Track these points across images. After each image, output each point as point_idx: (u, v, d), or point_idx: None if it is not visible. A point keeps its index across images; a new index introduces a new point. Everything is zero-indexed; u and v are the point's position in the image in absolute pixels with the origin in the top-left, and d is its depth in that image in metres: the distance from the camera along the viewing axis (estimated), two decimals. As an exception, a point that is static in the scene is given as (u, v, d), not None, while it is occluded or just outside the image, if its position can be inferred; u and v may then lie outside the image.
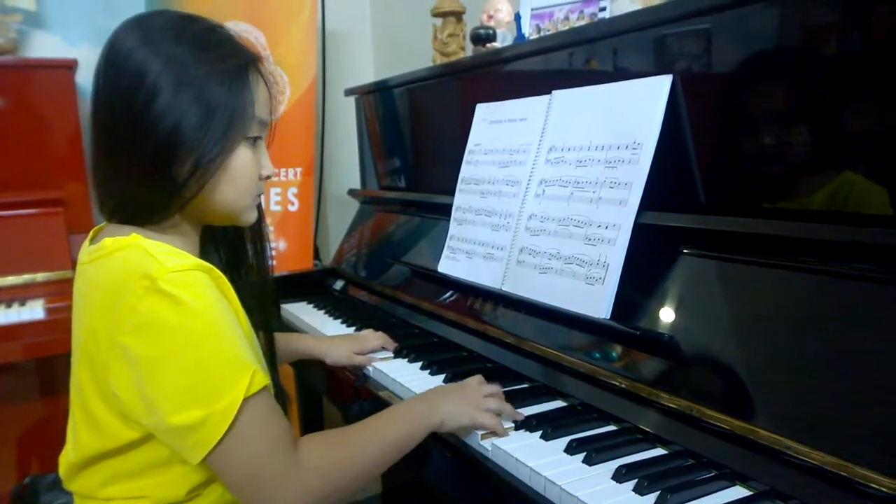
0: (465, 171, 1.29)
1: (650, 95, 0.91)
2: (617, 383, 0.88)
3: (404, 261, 1.45)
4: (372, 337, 1.19)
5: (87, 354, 0.75)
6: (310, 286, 1.73)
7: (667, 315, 0.88)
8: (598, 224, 0.94)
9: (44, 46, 2.08)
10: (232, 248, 0.93)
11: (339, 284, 1.73)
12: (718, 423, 0.75)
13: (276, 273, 1.80)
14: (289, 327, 1.52)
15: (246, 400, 0.70)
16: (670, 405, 0.80)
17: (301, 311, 1.54)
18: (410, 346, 1.19)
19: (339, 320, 1.44)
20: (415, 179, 1.63)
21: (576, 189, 1.00)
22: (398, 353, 1.17)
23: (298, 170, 1.89)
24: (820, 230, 0.75)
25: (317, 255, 2.16)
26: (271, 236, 1.92)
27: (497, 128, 1.23)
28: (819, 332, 0.73)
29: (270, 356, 0.95)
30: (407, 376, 1.06)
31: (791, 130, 0.81)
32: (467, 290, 1.20)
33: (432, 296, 1.30)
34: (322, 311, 1.53)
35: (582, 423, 0.87)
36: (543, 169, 1.08)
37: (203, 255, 0.89)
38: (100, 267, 0.76)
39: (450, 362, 1.12)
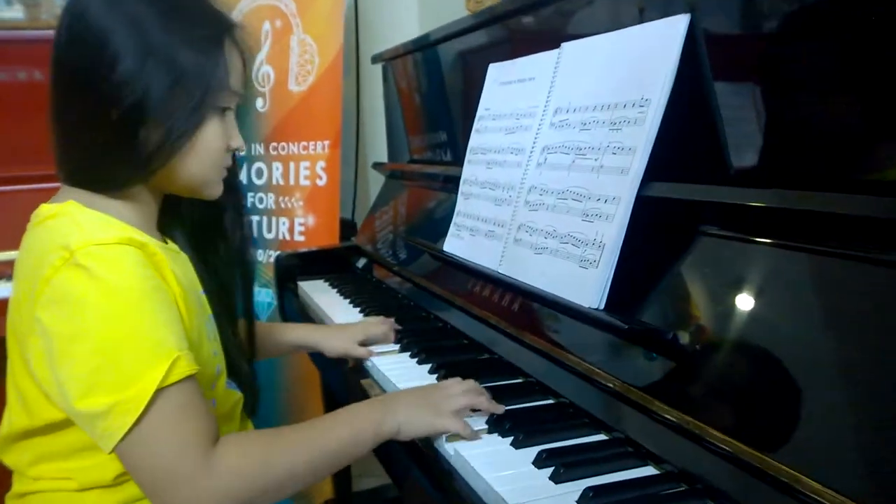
0: (474, 139, 1.16)
1: (661, 41, 0.76)
2: (611, 385, 0.74)
3: (419, 239, 1.34)
4: (375, 324, 1.08)
5: (13, 327, 0.71)
6: (332, 263, 1.65)
7: (674, 308, 0.73)
8: (597, 197, 0.80)
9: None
10: (204, 224, 0.86)
11: (361, 262, 1.65)
12: (722, 445, 0.60)
13: (300, 249, 1.74)
14: (302, 305, 1.46)
15: (161, 390, 0.63)
16: (666, 416, 0.66)
17: (313, 289, 1.47)
18: (412, 333, 1.08)
19: (348, 300, 1.35)
20: (444, 152, 1.51)
21: (578, 156, 0.86)
22: (398, 340, 1.06)
23: (326, 142, 1.81)
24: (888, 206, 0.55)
25: (354, 231, 2.09)
26: (300, 211, 1.86)
27: (507, 90, 1.09)
28: (873, 341, 0.56)
29: (248, 342, 0.88)
30: (399, 370, 0.96)
31: (848, 83, 0.64)
32: (471, 272, 1.08)
33: (439, 277, 1.19)
34: (335, 290, 1.45)
35: (565, 430, 0.74)
36: (548, 134, 0.94)
37: (165, 227, 0.82)
38: (31, 235, 0.72)
39: (444, 353, 1.00)
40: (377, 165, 1.73)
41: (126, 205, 0.74)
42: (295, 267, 1.60)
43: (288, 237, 1.88)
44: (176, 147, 0.71)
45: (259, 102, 1.93)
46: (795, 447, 0.55)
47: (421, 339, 1.06)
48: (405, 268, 1.34)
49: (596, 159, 0.82)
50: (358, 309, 1.28)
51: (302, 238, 1.86)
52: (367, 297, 1.36)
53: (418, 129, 1.63)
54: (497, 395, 0.83)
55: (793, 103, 0.68)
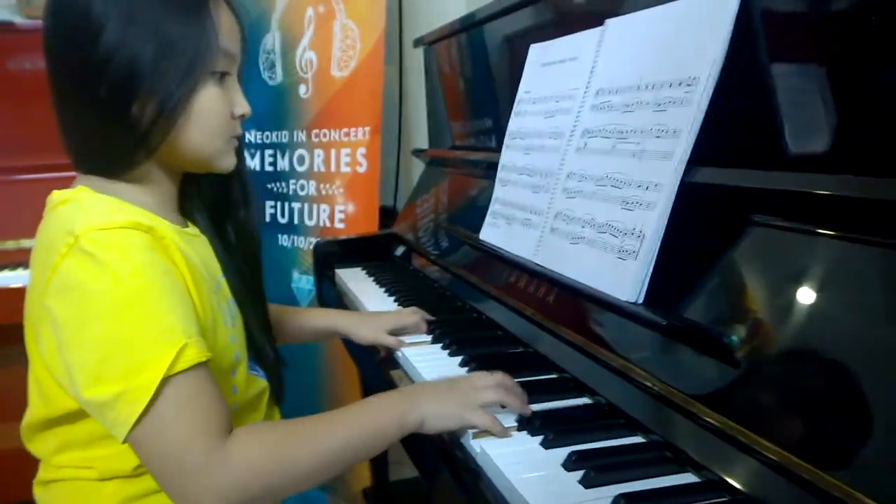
0: (513, 123, 1.11)
1: (711, 15, 0.70)
2: (650, 385, 0.69)
3: (457, 227, 1.30)
4: (407, 314, 1.04)
5: (29, 316, 0.70)
6: (370, 251, 1.63)
7: (721, 305, 0.68)
8: (637, 183, 0.75)
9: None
10: (216, 203, 0.84)
11: (400, 250, 1.63)
12: (769, 455, 0.55)
13: (338, 236, 1.73)
14: (339, 293, 1.44)
15: (170, 378, 0.60)
16: (708, 420, 0.61)
17: (350, 277, 1.45)
18: (445, 324, 1.05)
19: (384, 289, 1.32)
20: (487, 138, 1.46)
21: (619, 140, 0.81)
22: (430, 331, 1.03)
23: (367, 129, 1.79)
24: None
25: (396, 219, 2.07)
26: (341, 198, 1.85)
27: (548, 71, 1.04)
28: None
29: (262, 327, 0.85)
30: (430, 362, 0.93)
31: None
32: (506, 262, 1.04)
33: (475, 266, 1.15)
34: (371, 279, 1.43)
35: (598, 431, 0.69)
36: (588, 117, 0.89)
37: (186, 210, 0.81)
38: (44, 222, 0.71)
39: (477, 345, 0.97)
40: (417, 152, 1.69)
41: (138, 188, 0.72)
42: (332, 254, 1.59)
43: (328, 224, 1.87)
44: (172, 118, 0.68)
45: (302, 89, 1.92)
46: (854, 463, 0.49)
47: (453, 331, 1.02)
48: (442, 256, 1.31)
49: (638, 143, 0.77)
50: (393, 298, 1.25)
51: (342, 225, 1.85)
52: (403, 285, 1.33)
53: (461, 115, 1.59)
54: (529, 390, 0.79)
55: (859, 81, 0.62)
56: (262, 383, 0.83)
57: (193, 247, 0.75)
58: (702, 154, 0.71)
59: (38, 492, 0.75)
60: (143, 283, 0.62)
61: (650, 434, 0.68)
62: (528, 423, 0.71)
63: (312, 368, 1.88)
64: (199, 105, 0.70)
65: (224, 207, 0.84)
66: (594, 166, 0.84)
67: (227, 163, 0.76)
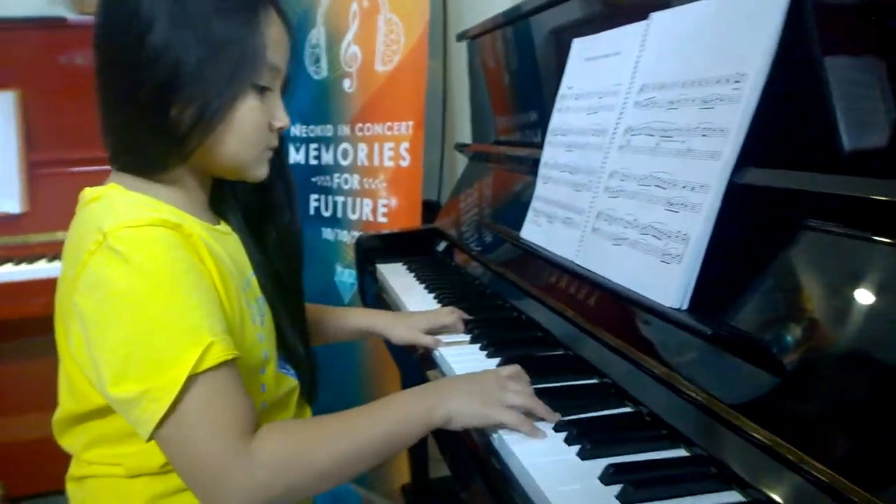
0: (555, 119, 1.09)
1: (761, 7, 0.66)
2: (694, 395, 0.66)
3: (498, 224, 1.28)
4: (444, 314, 1.03)
5: (59, 311, 0.71)
6: (412, 246, 1.62)
7: (770, 313, 0.64)
8: (683, 184, 0.72)
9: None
10: (256, 206, 0.84)
11: (442, 245, 1.62)
12: (819, 476, 0.51)
13: (380, 231, 1.73)
14: (380, 288, 1.44)
15: (194, 376, 0.60)
16: (755, 435, 0.58)
17: (390, 272, 1.45)
18: (484, 324, 1.03)
19: (424, 285, 1.32)
20: (532, 133, 1.43)
21: (663, 139, 0.77)
22: (469, 331, 1.02)
23: (410, 123, 1.78)
24: None
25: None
26: (384, 193, 1.85)
27: (591, 66, 1.01)
28: None
29: (295, 326, 0.85)
30: (467, 363, 0.91)
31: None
32: (547, 261, 1.02)
33: (516, 265, 1.13)
34: (412, 275, 1.42)
35: (639, 442, 0.67)
36: (632, 114, 0.86)
37: (219, 209, 0.81)
38: (75, 219, 0.71)
39: (516, 346, 0.95)
40: (460, 147, 1.68)
41: (170, 187, 0.72)
42: (374, 249, 1.59)
43: (371, 218, 1.88)
44: (211, 125, 0.68)
45: (346, 83, 1.93)
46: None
47: (492, 331, 1.01)
48: (483, 253, 1.30)
49: (683, 142, 0.73)
50: (433, 295, 1.24)
51: (385, 220, 1.85)
52: (444, 282, 1.32)
53: (504, 110, 1.57)
54: (568, 396, 0.77)
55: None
56: (291, 382, 0.83)
57: (223, 244, 0.75)
58: (752, 154, 0.67)
59: (70, 487, 0.76)
60: (169, 280, 0.63)
61: (693, 447, 0.65)
62: (564, 430, 0.69)
63: (354, 365, 1.90)
64: (239, 115, 0.70)
65: (266, 209, 0.84)
66: (637, 165, 0.81)
67: (260, 172, 0.76)
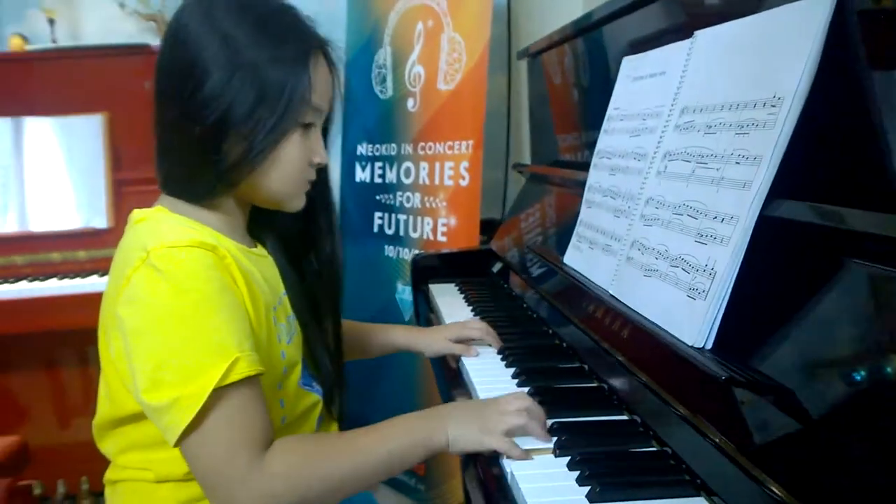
0: (601, 142, 1.05)
1: (799, 26, 0.62)
2: (717, 441, 0.62)
3: (545, 247, 1.26)
4: (472, 326, 1.05)
5: (102, 321, 0.76)
6: (468, 266, 1.61)
7: (801, 359, 0.59)
8: (714, 214, 0.68)
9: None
10: (295, 233, 0.88)
11: (497, 267, 1.60)
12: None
13: (436, 250, 1.73)
14: (431, 308, 1.44)
15: (220, 389, 0.64)
16: (775, 492, 0.53)
17: (441, 292, 1.44)
18: (520, 351, 1.01)
19: (471, 306, 1.30)
20: (584, 155, 1.39)
21: (699, 165, 0.73)
22: (505, 357, 1.00)
23: (470, 142, 1.78)
24: None
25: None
26: (444, 211, 1.85)
27: (638, 86, 0.97)
28: None
29: (326, 346, 0.87)
30: (497, 390, 0.90)
31: None
32: (586, 289, 0.98)
33: (559, 291, 1.10)
34: (462, 295, 1.41)
35: (654, 487, 0.63)
36: (672, 138, 0.82)
37: (257, 233, 0.84)
38: (123, 238, 0.76)
39: (549, 376, 0.92)
40: (518, 167, 1.65)
41: (211, 212, 0.77)
42: (429, 268, 1.59)
43: (431, 237, 1.88)
44: (256, 162, 0.73)
45: (410, 102, 1.95)
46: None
47: (527, 358, 0.98)
48: (530, 276, 1.27)
49: (717, 169, 0.69)
50: (477, 317, 1.23)
51: (444, 238, 1.85)
52: (491, 304, 1.30)
53: (561, 129, 1.54)
54: (595, 432, 0.74)
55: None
56: (313, 398, 0.85)
57: (258, 266, 0.79)
58: (788, 186, 0.62)
59: (107, 490, 0.80)
60: (201, 297, 0.66)
61: (713, 497, 0.60)
62: (573, 465, 0.66)
63: (411, 374, 1.89)
64: (282, 153, 0.74)
65: (308, 238, 0.88)
66: (673, 192, 0.77)
67: (297, 204, 0.80)
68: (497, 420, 0.71)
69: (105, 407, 0.76)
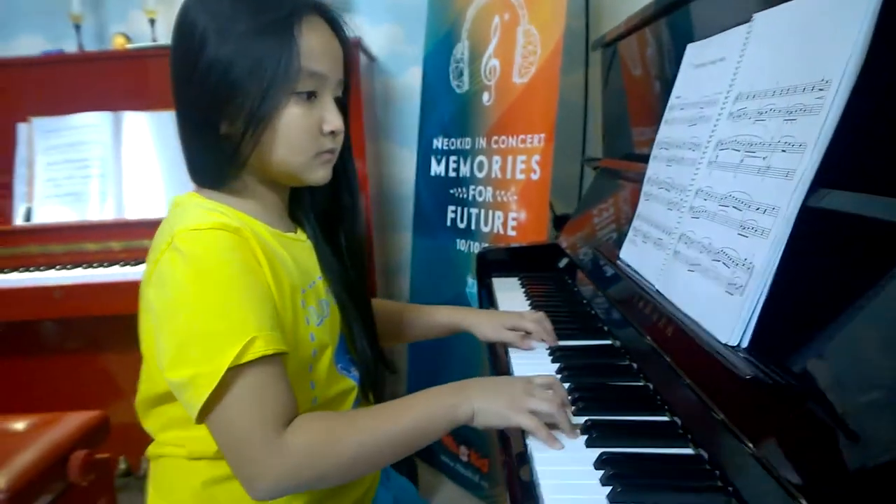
0: (661, 132, 1.01)
1: (848, 3, 0.57)
2: (747, 446, 0.58)
3: (606, 242, 1.22)
4: (528, 317, 1.03)
5: (141, 302, 0.78)
6: (533, 261, 1.59)
7: (843, 361, 0.54)
8: (757, 205, 0.63)
9: (353, 26, 2.29)
10: (326, 212, 0.88)
11: (564, 262, 1.57)
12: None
13: (500, 245, 1.72)
14: (493, 301, 1.43)
15: (237, 367, 0.65)
16: None
17: (503, 286, 1.43)
18: (569, 350, 0.98)
19: (530, 301, 1.29)
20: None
21: (747, 154, 0.69)
22: (552, 353, 0.98)
23: (542, 136, 1.75)
24: None
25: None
26: (514, 205, 1.83)
27: (699, 73, 0.93)
28: None
29: (364, 329, 0.88)
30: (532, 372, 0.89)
31: None
32: (637, 285, 0.95)
33: (615, 286, 1.07)
34: (522, 290, 1.39)
35: (683, 492, 0.60)
36: (725, 126, 0.78)
37: (297, 217, 0.86)
38: (162, 223, 0.79)
39: (595, 373, 0.89)
40: (588, 161, 1.61)
41: (241, 198, 0.78)
42: (496, 262, 1.58)
43: (502, 231, 1.87)
44: (257, 134, 0.72)
45: (485, 96, 1.94)
46: None
47: (575, 355, 0.96)
48: (592, 272, 1.24)
49: (764, 158, 0.65)
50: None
51: (514, 233, 1.83)
52: (550, 299, 1.28)
53: (632, 122, 1.49)
54: (629, 432, 0.72)
55: None
56: (348, 383, 0.86)
57: (289, 249, 0.79)
58: (836, 175, 0.58)
59: (151, 466, 0.84)
60: (222, 278, 0.68)
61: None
62: (600, 467, 0.64)
63: (477, 358, 1.89)
64: (282, 123, 0.73)
65: (334, 214, 0.88)
66: (721, 183, 0.73)
67: (316, 176, 0.79)
68: (524, 398, 0.71)
69: (145, 385, 0.79)
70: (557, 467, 0.66)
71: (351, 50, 0.80)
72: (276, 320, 0.70)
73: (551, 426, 0.70)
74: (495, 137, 1.90)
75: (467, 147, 2.02)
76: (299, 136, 0.75)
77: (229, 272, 0.68)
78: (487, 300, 1.48)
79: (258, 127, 0.72)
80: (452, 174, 2.07)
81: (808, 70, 0.61)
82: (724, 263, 0.66)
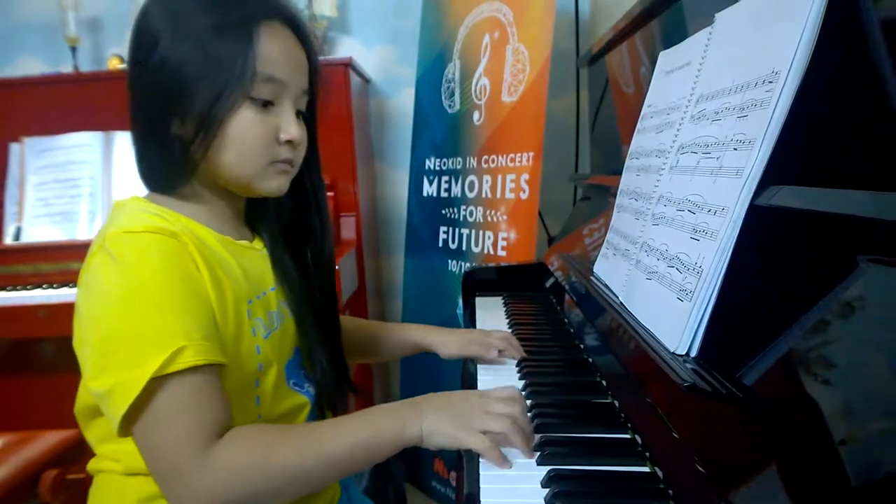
0: (634, 142, 0.98)
1: (798, -9, 0.54)
2: (700, 467, 0.54)
3: (585, 258, 1.18)
4: (495, 335, 0.99)
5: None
6: (521, 281, 1.55)
7: (804, 372, 0.50)
8: (708, 207, 0.60)
9: (347, 48, 2.30)
10: (291, 224, 0.85)
11: (551, 281, 1.53)
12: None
13: (488, 264, 1.68)
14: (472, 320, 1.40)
15: (164, 377, 0.61)
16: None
17: (485, 305, 1.39)
18: (535, 366, 0.95)
19: (508, 319, 1.25)
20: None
21: (704, 156, 0.66)
22: (521, 369, 0.94)
23: (530, 154, 1.73)
24: None
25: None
26: (504, 225, 1.81)
27: (668, 80, 0.90)
28: None
29: (324, 346, 0.85)
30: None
31: None
32: (608, 297, 0.91)
33: (585, 302, 1.03)
34: (504, 308, 1.36)
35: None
36: (687, 129, 0.75)
37: (255, 224, 0.83)
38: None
39: (557, 391, 0.85)
40: (574, 178, 1.59)
41: (190, 203, 0.75)
42: (480, 282, 1.55)
43: (492, 251, 1.84)
44: (208, 138, 0.69)
45: (476, 115, 1.93)
46: None
47: (543, 371, 0.92)
48: (571, 289, 1.20)
49: (717, 158, 0.62)
50: (513, 328, 1.18)
51: (504, 253, 1.80)
52: (529, 317, 1.24)
53: (620, 135, 1.46)
54: (585, 450, 0.68)
55: None
56: (300, 399, 0.81)
57: (239, 258, 0.76)
58: (787, 171, 0.54)
59: (93, 480, 0.79)
60: (153, 283, 0.64)
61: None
62: (549, 483, 0.60)
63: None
64: (234, 128, 0.70)
65: (303, 233, 0.85)
66: (679, 187, 0.70)
67: (270, 186, 0.75)
68: (478, 417, 0.66)
69: (82, 394, 0.75)
70: (503, 485, 0.63)
71: (318, 62, 0.78)
72: (211, 329, 0.66)
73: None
74: (485, 157, 1.88)
75: (458, 167, 2.00)
76: (252, 143, 0.72)
77: (161, 277, 0.65)
78: (470, 320, 1.44)
79: (209, 130, 0.69)
80: (444, 194, 2.05)
81: (761, 64, 0.59)
82: (677, 269, 0.63)
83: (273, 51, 0.71)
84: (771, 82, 0.55)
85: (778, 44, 0.56)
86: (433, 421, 0.66)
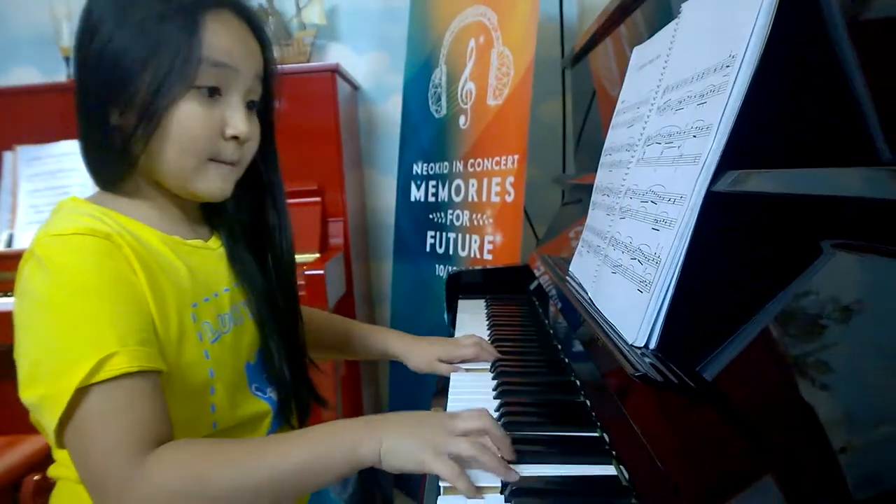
0: (608, 138, 0.97)
1: (752, -28, 0.53)
2: (662, 467, 0.52)
3: (564, 257, 1.17)
4: (466, 343, 0.96)
5: None
6: (506, 284, 1.54)
7: (766, 364, 0.49)
8: (669, 197, 0.59)
9: (337, 56, 2.29)
10: (250, 224, 0.82)
11: (535, 284, 1.52)
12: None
13: (470, 268, 1.67)
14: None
15: (92, 386, 0.57)
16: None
17: (466, 307, 1.38)
18: (515, 363, 0.93)
19: (488, 321, 1.23)
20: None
21: (666, 146, 0.64)
22: (494, 369, 0.93)
23: (515, 157, 1.71)
24: None
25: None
26: (490, 229, 1.79)
27: (640, 75, 0.89)
28: None
29: (284, 350, 0.82)
30: (469, 391, 0.84)
31: None
32: (579, 294, 0.89)
33: (561, 300, 1.01)
34: (485, 311, 1.34)
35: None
36: (653, 121, 0.73)
37: (215, 225, 0.81)
38: None
39: (528, 391, 0.84)
40: (557, 179, 1.57)
41: (134, 201, 0.72)
42: (463, 286, 1.53)
43: (478, 255, 1.83)
44: (149, 129, 0.65)
45: (462, 119, 1.92)
46: None
47: (517, 371, 0.90)
48: (550, 289, 1.18)
49: (679, 147, 0.60)
50: (489, 332, 1.16)
51: (490, 256, 1.78)
52: (508, 319, 1.23)
53: (603, 133, 1.45)
54: (559, 450, 0.66)
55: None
56: (261, 406, 0.78)
57: (188, 259, 0.72)
58: (746, 155, 0.53)
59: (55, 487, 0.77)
60: (81, 287, 0.60)
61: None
62: (516, 495, 0.58)
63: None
64: (175, 119, 0.66)
65: (261, 232, 0.82)
66: (644, 179, 0.68)
67: (209, 187, 0.71)
68: (445, 439, 0.60)
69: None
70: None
71: (271, 52, 0.75)
72: (148, 334, 0.62)
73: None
74: (471, 160, 1.87)
75: (445, 171, 1.99)
76: (191, 136, 0.67)
77: (91, 281, 0.61)
78: (451, 324, 1.43)
79: (150, 121, 0.65)
80: (431, 199, 2.04)
81: (720, 50, 0.57)
82: (639, 261, 0.61)
83: (221, 38, 0.68)
84: (728, 66, 0.54)
85: (735, 28, 0.54)
86: (395, 440, 0.60)
